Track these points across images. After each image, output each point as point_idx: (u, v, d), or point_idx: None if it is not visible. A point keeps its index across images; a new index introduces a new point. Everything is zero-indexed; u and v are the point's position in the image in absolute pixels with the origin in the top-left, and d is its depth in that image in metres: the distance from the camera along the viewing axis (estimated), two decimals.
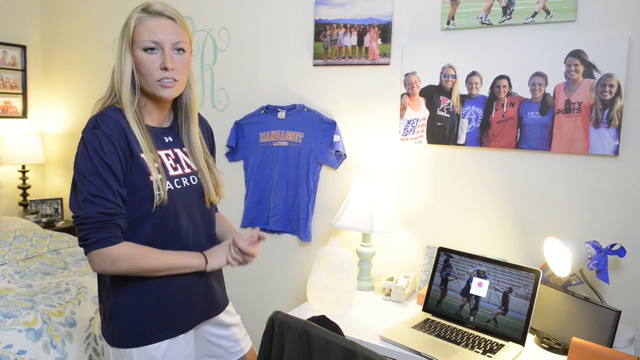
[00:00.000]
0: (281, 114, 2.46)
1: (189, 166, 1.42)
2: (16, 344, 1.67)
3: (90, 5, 3.25)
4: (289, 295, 2.54)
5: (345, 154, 2.32)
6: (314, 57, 2.36)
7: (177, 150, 1.42)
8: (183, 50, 1.35)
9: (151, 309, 1.34)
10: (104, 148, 1.24)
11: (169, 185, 1.33)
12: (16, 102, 3.44)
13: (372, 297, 2.10)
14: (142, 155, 1.29)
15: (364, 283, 2.16)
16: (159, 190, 1.29)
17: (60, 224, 3.38)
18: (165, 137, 1.41)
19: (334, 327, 1.46)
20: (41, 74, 3.57)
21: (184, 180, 1.39)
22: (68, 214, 3.56)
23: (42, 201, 3.43)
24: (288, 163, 2.47)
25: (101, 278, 1.40)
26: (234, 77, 2.62)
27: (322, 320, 1.46)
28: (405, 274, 2.12)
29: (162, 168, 1.33)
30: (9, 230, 2.65)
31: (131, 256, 1.26)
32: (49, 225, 3.30)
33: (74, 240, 2.76)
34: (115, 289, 1.34)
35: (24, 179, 3.41)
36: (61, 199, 3.49)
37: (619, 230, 1.79)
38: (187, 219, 1.39)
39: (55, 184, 3.61)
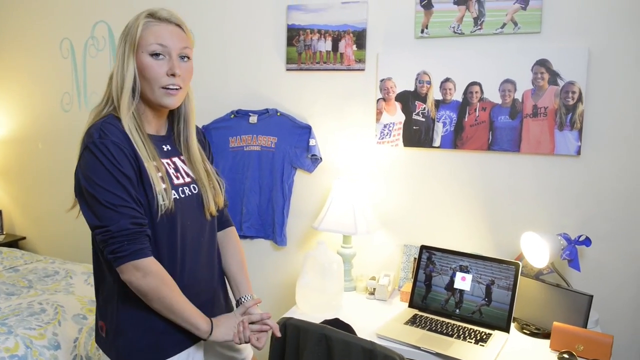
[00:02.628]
0: (253, 119, 2.45)
1: (188, 175, 1.40)
2: None
3: (30, 7, 3.03)
4: (270, 300, 2.53)
5: (321, 158, 2.36)
6: (287, 62, 2.37)
7: (176, 159, 1.39)
8: (188, 57, 1.33)
9: (159, 325, 1.31)
10: (116, 156, 1.20)
11: (174, 194, 1.31)
12: None
13: (356, 297, 2.16)
14: (146, 164, 1.26)
15: (347, 283, 2.21)
16: (164, 200, 1.26)
17: (0, 238, 3.12)
18: (163, 146, 1.37)
19: (348, 329, 1.50)
20: None
21: (186, 189, 1.36)
22: (8, 227, 3.30)
23: None
24: (261, 168, 2.47)
25: (101, 294, 1.34)
26: (201, 82, 2.56)
27: (337, 323, 1.49)
28: (385, 273, 2.20)
29: (167, 177, 1.30)
30: None
31: (160, 276, 1.23)
32: None
33: (28, 255, 2.58)
34: (124, 303, 1.29)
35: None
36: (0, 212, 3.22)
37: (583, 223, 1.98)
38: (190, 228, 1.36)
39: None
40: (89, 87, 2.91)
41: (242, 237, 2.54)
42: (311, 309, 1.98)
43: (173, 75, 1.27)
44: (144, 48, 1.25)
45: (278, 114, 2.42)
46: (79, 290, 2.14)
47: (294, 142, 2.39)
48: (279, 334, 1.41)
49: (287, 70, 2.38)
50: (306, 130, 2.37)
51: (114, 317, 1.31)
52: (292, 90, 2.40)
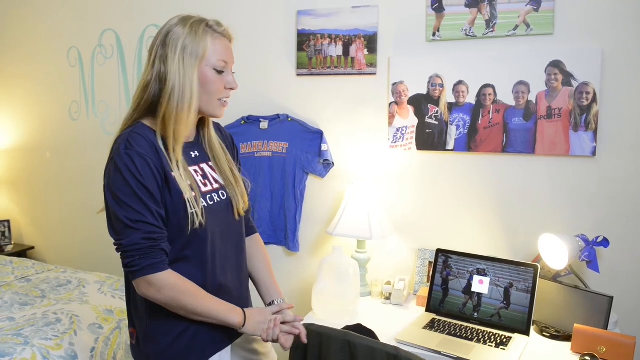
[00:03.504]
0: (264, 124, 2.45)
1: (216, 181, 1.39)
2: None
3: (39, 12, 3.04)
4: None
5: (333, 162, 2.36)
6: (298, 67, 2.37)
7: (204, 166, 1.39)
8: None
9: (188, 331, 1.30)
10: (139, 169, 1.19)
11: (203, 203, 1.30)
12: None
13: (371, 302, 2.14)
14: (173, 173, 1.25)
15: (362, 289, 2.20)
16: (193, 208, 1.25)
17: (9, 248, 3.11)
18: (192, 152, 1.37)
19: (371, 334, 1.49)
20: None
21: (215, 196, 1.36)
22: (17, 237, 3.29)
23: None
24: (272, 173, 2.46)
25: (132, 301, 1.34)
26: None
27: (359, 329, 1.48)
28: (401, 277, 2.19)
29: (196, 185, 1.30)
30: None
31: (177, 287, 1.22)
32: None
33: (39, 265, 2.56)
34: (150, 312, 1.29)
35: None
36: (8, 221, 3.21)
37: (599, 224, 1.97)
38: (219, 235, 1.36)
39: (1, 204, 3.32)
40: (97, 95, 2.91)
41: None
42: (328, 315, 1.96)
43: (231, 89, 1.33)
44: (208, 62, 1.27)
45: (289, 119, 2.41)
46: (94, 300, 2.13)
47: (305, 148, 2.39)
48: (305, 340, 1.40)
49: (298, 75, 2.38)
50: (317, 135, 2.36)
51: (143, 324, 1.30)
52: (303, 95, 2.39)
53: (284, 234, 2.47)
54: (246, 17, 2.47)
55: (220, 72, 1.30)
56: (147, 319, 1.29)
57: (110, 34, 2.81)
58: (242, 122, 2.50)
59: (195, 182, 1.30)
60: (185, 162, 1.29)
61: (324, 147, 2.34)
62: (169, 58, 1.25)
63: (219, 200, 1.36)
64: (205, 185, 1.35)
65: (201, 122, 1.41)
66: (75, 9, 2.91)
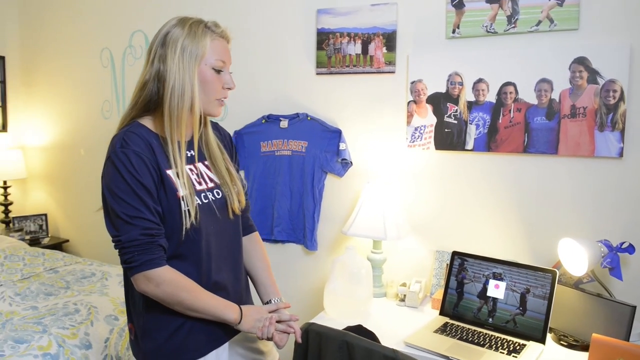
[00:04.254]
0: (284, 123, 2.46)
1: (211, 180, 1.40)
2: None
3: (73, 15, 3.17)
4: (299, 305, 2.53)
5: (351, 162, 2.34)
6: (317, 66, 2.37)
7: (199, 165, 1.40)
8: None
9: (184, 327, 1.32)
10: (136, 166, 1.21)
11: (197, 200, 1.31)
12: None
13: (386, 304, 2.11)
14: (168, 171, 1.27)
15: (377, 290, 2.17)
16: (187, 207, 1.27)
17: (45, 240, 3.26)
18: (187, 152, 1.38)
19: (371, 336, 1.47)
20: (21, 86, 3.44)
21: (209, 194, 1.37)
22: (53, 230, 3.44)
23: (25, 217, 3.30)
24: (292, 172, 2.47)
25: (130, 297, 1.37)
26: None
27: (359, 330, 1.46)
28: (417, 279, 2.15)
29: (190, 183, 1.31)
30: None
31: (175, 283, 1.24)
32: (34, 242, 3.18)
33: (68, 257, 2.67)
34: (146, 308, 1.31)
35: (5, 195, 3.28)
36: (45, 215, 3.36)
37: (625, 229, 1.87)
38: (214, 233, 1.37)
39: (39, 199, 3.48)
40: (127, 94, 3.00)
41: (274, 241, 2.55)
42: (339, 315, 1.95)
43: (229, 89, 1.34)
44: (207, 61, 1.29)
45: (308, 118, 2.41)
46: (113, 292, 2.20)
47: (324, 146, 2.38)
48: (300, 340, 1.41)
49: (317, 74, 2.38)
50: (336, 134, 2.35)
51: (141, 320, 1.33)
52: (322, 94, 2.39)
53: (302, 232, 2.48)
54: (267, 16, 2.48)
55: (218, 72, 1.31)
56: (144, 314, 1.31)
57: (140, 35, 2.89)
58: (263, 121, 2.52)
59: (189, 181, 1.31)
60: (180, 161, 1.31)
61: (342, 146, 2.32)
62: (168, 58, 1.27)
63: (213, 199, 1.37)
64: (200, 184, 1.36)
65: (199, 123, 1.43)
66: (106, 11, 3.02)
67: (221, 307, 1.31)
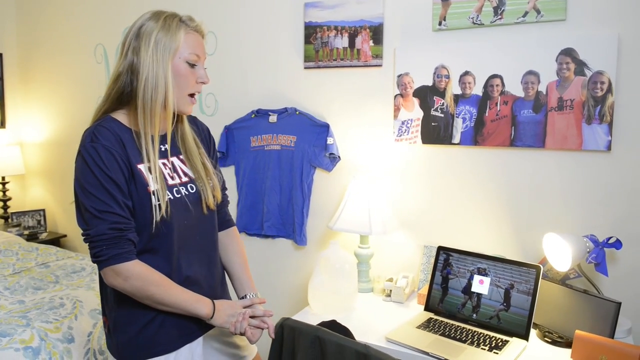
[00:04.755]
0: (272, 118, 2.45)
1: (185, 174, 1.39)
2: None
3: (70, 11, 3.18)
4: (288, 300, 2.52)
5: (339, 156, 2.32)
6: (305, 60, 2.35)
7: (174, 159, 1.39)
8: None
9: (155, 321, 1.31)
10: (105, 161, 1.21)
11: (168, 195, 1.30)
12: None
13: (372, 299, 2.10)
14: (139, 166, 1.27)
15: (363, 285, 2.16)
16: (158, 201, 1.27)
17: (43, 235, 3.28)
18: (162, 146, 1.37)
19: (345, 331, 1.46)
20: (19, 82, 3.47)
21: (182, 189, 1.36)
22: (51, 225, 3.47)
23: (24, 213, 3.33)
24: (281, 167, 2.46)
25: (103, 291, 1.37)
26: (223, 82, 2.59)
27: (333, 325, 1.45)
28: (404, 274, 2.13)
29: (162, 178, 1.31)
30: None
31: (144, 277, 1.24)
32: (32, 237, 3.21)
33: (61, 252, 2.69)
34: (118, 302, 1.31)
35: (4, 190, 3.31)
36: (44, 210, 3.40)
37: (613, 224, 1.83)
38: (186, 228, 1.36)
39: (37, 194, 3.51)
40: None
41: (264, 236, 2.55)
42: (323, 310, 1.94)
43: (202, 83, 1.33)
44: (181, 55, 1.28)
45: (297, 112, 2.40)
46: None
47: (312, 141, 2.37)
48: (273, 336, 1.40)
49: (305, 68, 2.36)
50: (324, 129, 2.33)
51: (113, 313, 1.33)
52: (310, 88, 2.37)
53: (292, 227, 2.47)
54: (255, 11, 2.47)
55: (192, 66, 1.30)
56: (116, 308, 1.31)
57: None
58: (253, 115, 2.51)
59: (161, 175, 1.31)
60: (153, 155, 1.30)
61: (329, 140, 2.31)
62: (142, 50, 1.26)
63: (186, 193, 1.36)
64: (172, 178, 1.35)
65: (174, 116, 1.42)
66: (100, 7, 3.02)
67: (192, 302, 1.31)
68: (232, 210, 2.60)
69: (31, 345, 1.69)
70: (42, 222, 3.38)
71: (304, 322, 1.42)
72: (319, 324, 1.44)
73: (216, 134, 2.60)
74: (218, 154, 2.59)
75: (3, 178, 3.31)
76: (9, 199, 3.34)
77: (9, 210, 3.34)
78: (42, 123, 3.43)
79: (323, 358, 1.35)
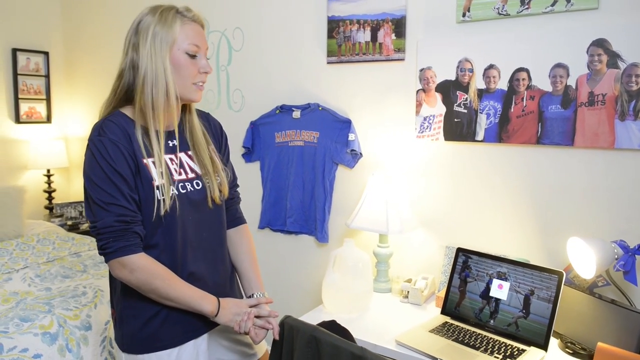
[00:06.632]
0: (296, 114, 2.43)
1: (192, 170, 1.39)
2: (32, 348, 1.68)
3: (111, 10, 3.29)
4: (306, 297, 2.51)
5: (361, 153, 2.28)
6: (328, 55, 2.31)
7: (182, 155, 1.39)
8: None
9: (159, 316, 1.33)
10: (111, 154, 1.23)
11: (173, 190, 1.31)
12: (40, 108, 3.51)
13: (389, 299, 2.04)
14: (145, 160, 1.28)
15: (382, 285, 2.11)
16: (162, 196, 1.28)
17: (84, 226, 3.43)
18: (169, 141, 1.39)
19: (344, 333, 1.42)
20: (64, 79, 3.63)
21: (188, 185, 1.37)
22: None
23: (67, 204, 3.49)
24: (304, 163, 2.44)
25: (112, 283, 1.40)
26: (249, 78, 2.60)
27: (332, 326, 1.42)
28: (423, 275, 2.06)
29: (167, 173, 1.31)
30: (33, 234, 2.70)
31: (149, 270, 1.25)
32: (73, 227, 3.36)
33: (94, 243, 2.79)
34: (124, 294, 1.33)
35: (49, 182, 3.48)
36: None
37: None
38: (192, 223, 1.37)
39: (80, 187, 3.67)
40: None
41: (287, 232, 2.54)
42: (337, 309, 1.91)
43: (205, 73, 1.34)
44: (180, 46, 1.29)
45: (320, 108, 2.37)
46: None
47: (334, 137, 2.33)
48: (277, 337, 1.39)
49: (328, 63, 2.33)
50: (346, 125, 2.29)
51: (119, 306, 1.36)
52: (332, 83, 2.34)
53: (314, 224, 2.44)
54: (278, 6, 2.46)
55: (193, 57, 1.30)
56: (122, 301, 1.34)
57: None
58: (277, 111, 2.51)
59: (167, 170, 1.32)
60: (159, 150, 1.31)
61: (350, 136, 2.26)
62: (140, 46, 1.28)
63: (192, 189, 1.37)
64: (179, 174, 1.36)
65: (183, 110, 1.43)
66: (142, 3, 3.10)
67: (197, 298, 1.31)
68: (257, 205, 2.61)
69: (49, 330, 1.76)
70: (84, 213, 3.53)
71: (302, 321, 1.39)
72: (319, 324, 1.41)
73: (243, 129, 2.61)
74: (244, 149, 2.61)
75: (48, 171, 3.47)
76: (54, 190, 3.50)
77: (54, 202, 3.50)
78: (84, 118, 3.57)
79: (319, 358, 1.33)
